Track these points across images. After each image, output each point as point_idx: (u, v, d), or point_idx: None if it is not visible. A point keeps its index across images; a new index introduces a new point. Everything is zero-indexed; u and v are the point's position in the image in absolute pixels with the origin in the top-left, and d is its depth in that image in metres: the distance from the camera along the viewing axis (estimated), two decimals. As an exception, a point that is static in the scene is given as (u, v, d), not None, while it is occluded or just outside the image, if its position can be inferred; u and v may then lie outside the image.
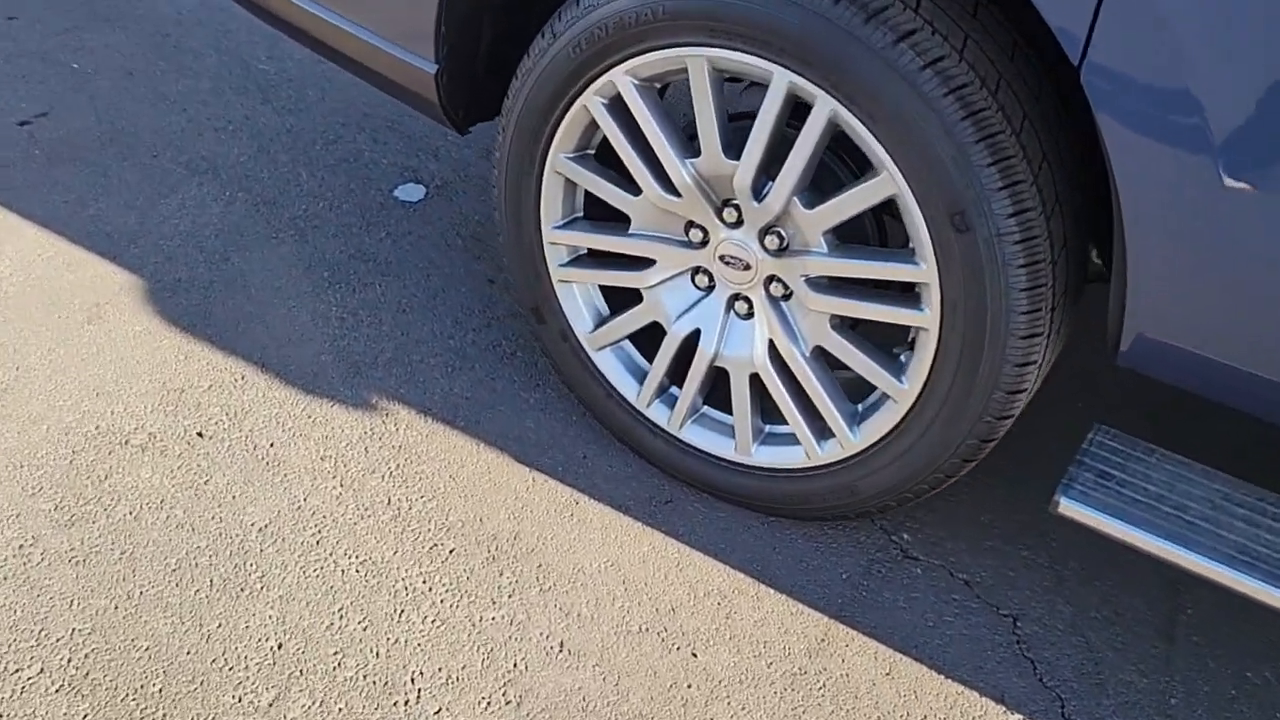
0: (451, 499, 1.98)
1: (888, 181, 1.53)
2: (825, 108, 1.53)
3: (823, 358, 1.77)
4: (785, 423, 1.86)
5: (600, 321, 1.98)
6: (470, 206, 2.77)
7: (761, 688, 1.70)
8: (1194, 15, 1.21)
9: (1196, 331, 1.39)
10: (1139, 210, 1.34)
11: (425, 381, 2.24)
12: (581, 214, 1.93)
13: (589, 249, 1.94)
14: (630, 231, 1.85)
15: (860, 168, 1.69)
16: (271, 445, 2.06)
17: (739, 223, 1.73)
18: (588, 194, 1.90)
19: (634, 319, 1.92)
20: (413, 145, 3.01)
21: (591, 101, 1.75)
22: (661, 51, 1.63)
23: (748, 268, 1.76)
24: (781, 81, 1.55)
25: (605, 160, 1.87)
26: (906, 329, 1.68)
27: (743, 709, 1.67)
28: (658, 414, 1.97)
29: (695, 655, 1.74)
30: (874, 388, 1.75)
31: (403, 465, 2.04)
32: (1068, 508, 1.49)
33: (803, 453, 1.83)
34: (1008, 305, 1.51)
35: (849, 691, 1.70)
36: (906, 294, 1.64)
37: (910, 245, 1.59)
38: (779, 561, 1.89)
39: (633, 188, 1.82)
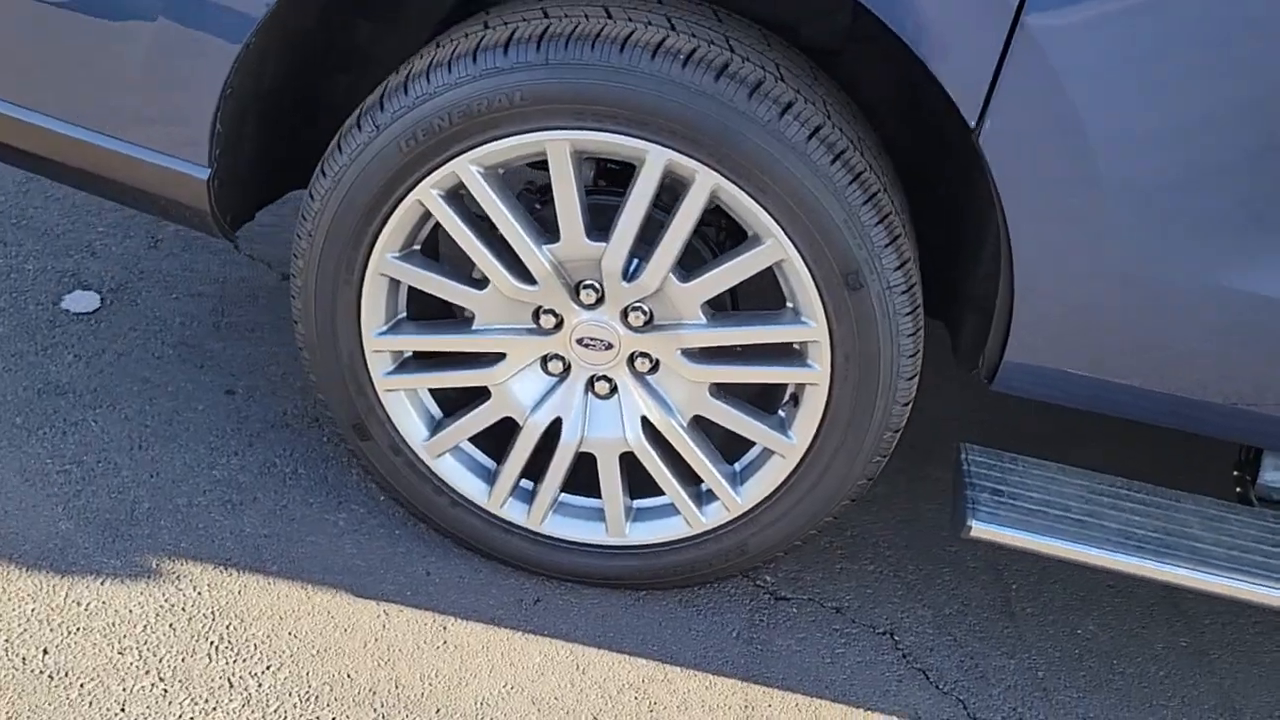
0: (303, 660, 1.72)
1: (774, 248, 1.54)
2: (707, 183, 1.51)
3: (699, 424, 1.74)
4: (651, 495, 1.82)
5: (435, 426, 1.81)
6: (163, 307, 2.41)
7: (712, 773, 1.66)
8: (1081, 84, 1.33)
9: (1070, 355, 1.54)
10: (1026, 254, 1.45)
11: (205, 527, 1.92)
12: (404, 314, 1.74)
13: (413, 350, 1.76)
14: (475, 328, 1.71)
15: (724, 237, 1.68)
16: (45, 654, 1.67)
17: (598, 303, 1.65)
18: (410, 291, 1.72)
19: (482, 418, 1.78)
20: (58, 244, 2.56)
21: (427, 195, 1.59)
22: (516, 138, 1.52)
23: (609, 347, 1.69)
24: (659, 160, 1.50)
25: (430, 253, 1.71)
26: (776, 385, 1.71)
27: (705, 801, 1.62)
28: (513, 512, 1.84)
29: (636, 759, 1.66)
30: (747, 446, 1.76)
31: (227, 634, 1.74)
32: (981, 530, 1.60)
33: (682, 522, 1.80)
34: (896, 350, 1.58)
35: (788, 750, 1.71)
36: (785, 352, 1.66)
37: (790, 306, 1.61)
38: (671, 636, 1.85)
39: (474, 281, 1.68)
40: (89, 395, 2.16)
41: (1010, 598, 2.03)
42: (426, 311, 1.77)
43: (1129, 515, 1.65)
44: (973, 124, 1.39)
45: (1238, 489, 1.79)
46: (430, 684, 1.71)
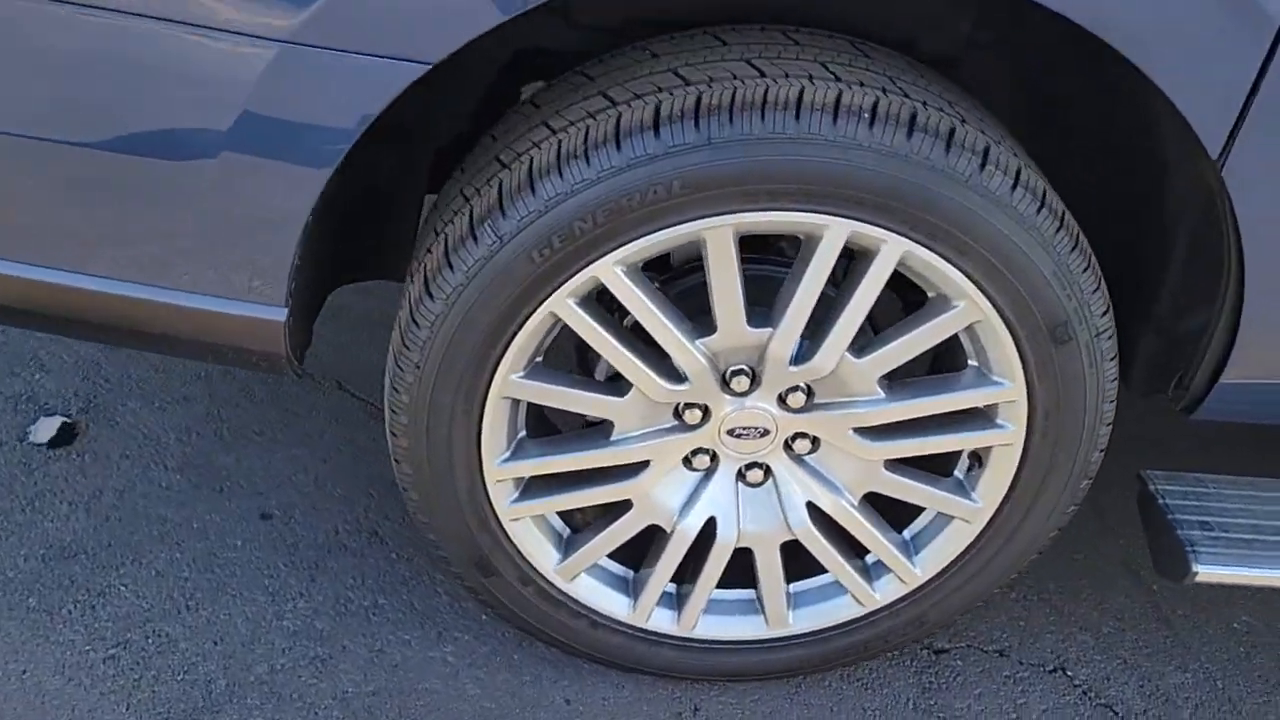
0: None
1: (969, 310, 1.36)
2: (896, 252, 1.31)
3: (868, 500, 1.57)
4: (807, 577, 1.64)
5: (567, 546, 1.58)
6: (149, 421, 2.09)
7: None
8: None
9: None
10: (1259, 274, 1.32)
11: (300, 696, 1.67)
12: (524, 433, 1.50)
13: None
14: (614, 438, 1.47)
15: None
16: None
17: (750, 390, 1.44)
18: (529, 407, 1.48)
19: (623, 531, 1.56)
20: (-4, 362, 2.19)
21: (563, 306, 1.34)
22: (670, 230, 1.28)
23: (765, 434, 1.49)
24: (841, 234, 1.29)
25: (551, 362, 1.46)
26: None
27: None
28: (661, 622, 1.64)
29: None
30: (914, 512, 1.59)
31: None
32: (1207, 575, 1.48)
33: (851, 602, 1.63)
34: (1101, 397, 1.43)
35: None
36: (970, 415, 1.48)
37: (973, 365, 1.44)
38: (852, 717, 1.69)
39: (610, 388, 1.45)
40: (104, 553, 1.84)
41: (1158, 602, 1.94)
42: (544, 426, 1.53)
43: (1333, 523, 1.55)
44: (1215, 155, 1.22)
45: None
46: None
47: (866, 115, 1.24)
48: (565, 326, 1.37)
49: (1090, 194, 1.43)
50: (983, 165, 1.27)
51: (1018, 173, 1.29)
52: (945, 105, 1.30)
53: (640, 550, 1.61)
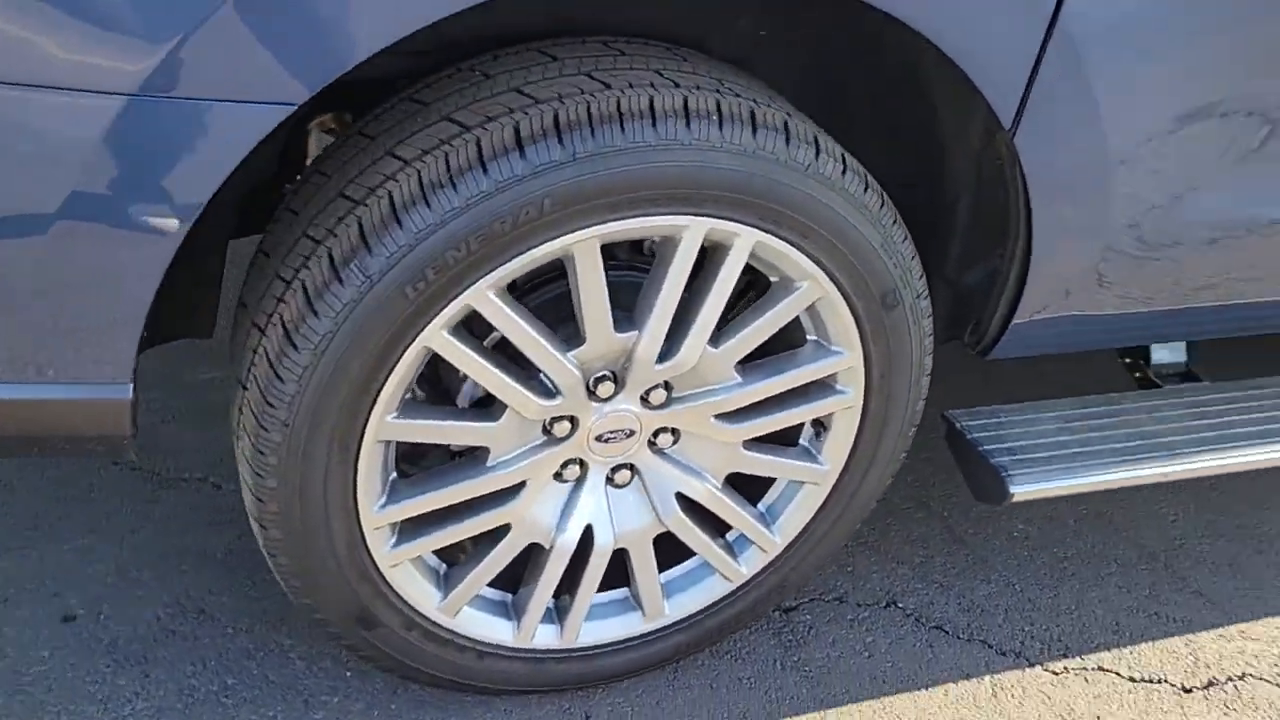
0: None
1: (812, 289, 1.46)
2: (749, 243, 1.38)
3: (728, 481, 1.64)
4: (673, 567, 1.71)
5: (445, 582, 1.55)
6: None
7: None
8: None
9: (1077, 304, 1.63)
10: (1044, 230, 1.51)
11: None
12: (395, 475, 1.45)
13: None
14: (491, 463, 1.46)
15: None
16: None
17: (614, 394, 1.48)
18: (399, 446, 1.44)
19: (503, 555, 1.54)
20: None
21: (438, 338, 1.31)
22: (541, 248, 1.29)
23: (631, 434, 1.53)
24: (699, 232, 1.35)
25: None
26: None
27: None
28: (545, 639, 1.64)
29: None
30: (767, 487, 1.69)
31: None
32: (1023, 493, 1.67)
33: (720, 581, 1.70)
34: (922, 351, 1.58)
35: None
36: (815, 386, 1.59)
37: (812, 339, 1.55)
38: (730, 693, 1.77)
39: (483, 414, 1.44)
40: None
41: (951, 525, 2.16)
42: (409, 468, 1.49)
43: (1103, 432, 1.80)
44: (1008, 127, 1.39)
45: (1135, 375, 2.02)
46: None
47: (715, 117, 1.30)
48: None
49: (883, 173, 1.57)
50: (817, 154, 1.36)
51: (844, 159, 1.40)
52: (770, 102, 1.39)
53: (513, 573, 1.60)
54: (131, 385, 1.22)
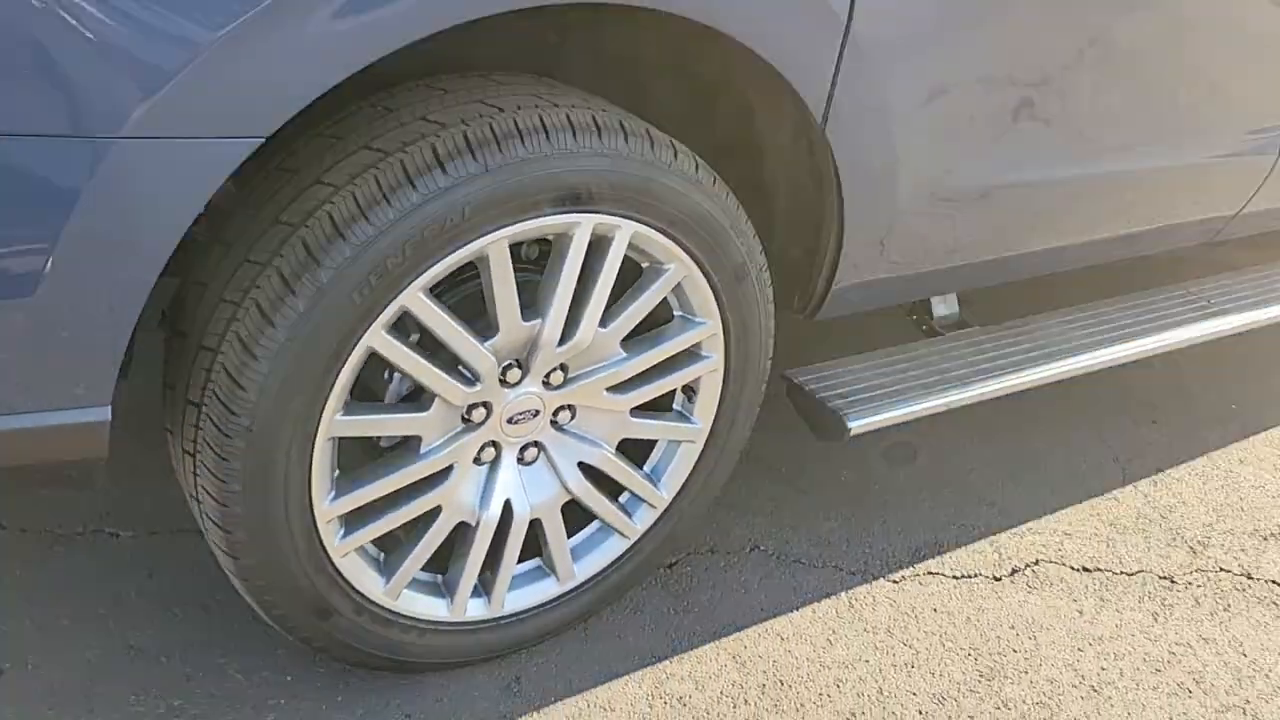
0: None
1: (679, 269, 1.73)
2: (627, 234, 1.64)
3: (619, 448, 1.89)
4: (577, 534, 1.93)
5: (386, 568, 1.72)
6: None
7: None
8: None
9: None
10: (856, 208, 1.85)
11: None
12: (337, 471, 1.62)
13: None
14: (424, 450, 1.65)
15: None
16: None
17: (522, 379, 1.71)
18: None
19: (436, 537, 1.72)
20: None
21: (379, 339, 1.50)
22: (462, 250, 1.50)
23: (536, 414, 1.75)
24: (588, 227, 1.60)
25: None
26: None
27: None
28: (475, 610, 1.83)
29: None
30: (649, 450, 1.95)
31: None
32: (860, 426, 2.00)
33: (618, 539, 1.94)
34: (766, 315, 1.88)
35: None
36: (684, 355, 1.86)
37: (678, 315, 1.82)
38: (641, 643, 2.00)
39: (415, 405, 1.63)
40: None
41: (790, 479, 2.48)
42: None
43: (910, 372, 2.17)
44: (820, 122, 1.72)
45: (923, 328, 2.42)
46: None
47: (593, 128, 1.55)
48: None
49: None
50: (675, 155, 1.64)
51: (695, 157, 1.69)
52: (624, 113, 1.66)
53: (439, 554, 1.78)
54: (110, 407, 1.33)
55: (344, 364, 1.47)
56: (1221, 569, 2.35)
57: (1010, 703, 1.96)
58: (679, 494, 1.95)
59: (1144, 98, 2.12)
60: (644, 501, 1.93)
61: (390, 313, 1.48)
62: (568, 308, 1.64)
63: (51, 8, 1.13)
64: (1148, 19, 2.03)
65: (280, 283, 1.41)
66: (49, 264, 1.22)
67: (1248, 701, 2.01)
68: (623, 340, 1.77)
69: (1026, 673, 2.02)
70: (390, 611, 1.72)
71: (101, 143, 1.19)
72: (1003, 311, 2.55)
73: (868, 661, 2.01)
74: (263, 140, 1.28)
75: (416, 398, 1.63)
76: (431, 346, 1.59)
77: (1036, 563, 2.31)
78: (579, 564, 1.91)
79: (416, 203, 1.43)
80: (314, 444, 1.50)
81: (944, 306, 2.39)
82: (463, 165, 1.45)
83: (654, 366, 1.82)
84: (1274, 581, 2.33)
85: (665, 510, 1.95)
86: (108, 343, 1.29)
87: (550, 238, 1.62)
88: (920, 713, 1.92)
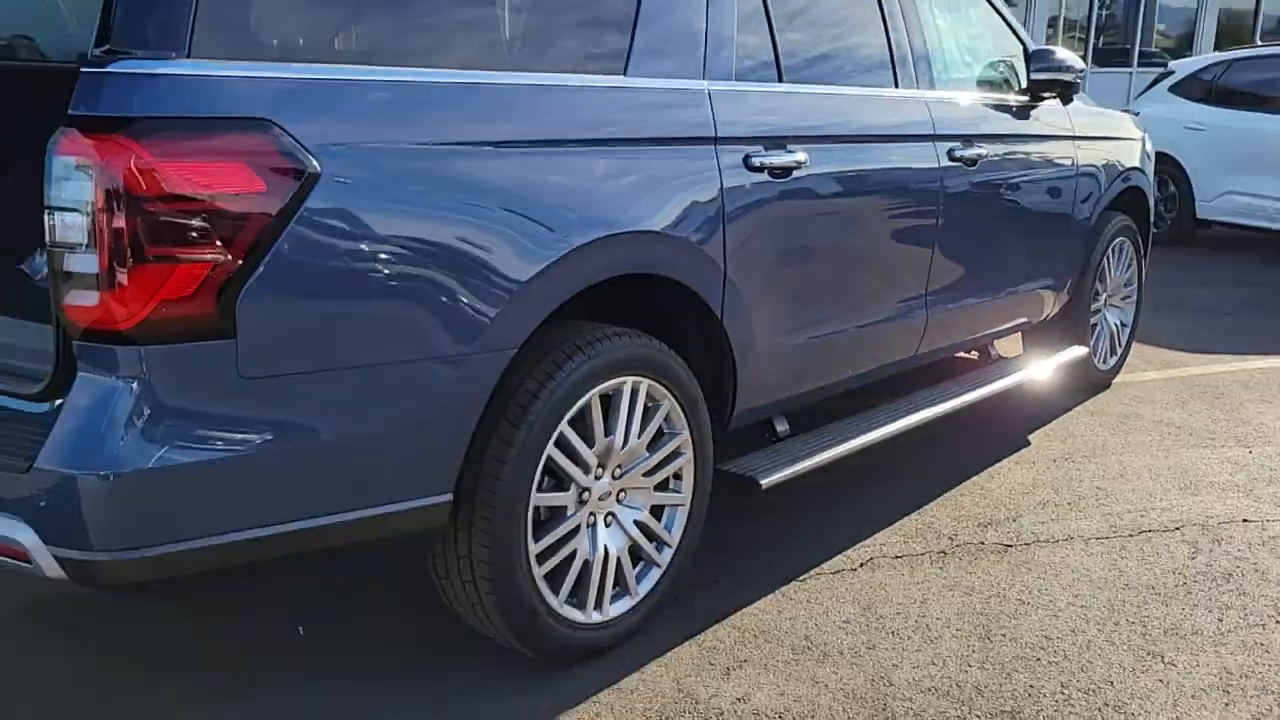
0: None
1: (669, 404, 3.29)
2: (646, 385, 3.20)
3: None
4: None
5: (554, 588, 3.09)
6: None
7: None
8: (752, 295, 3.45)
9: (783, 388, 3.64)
10: (741, 358, 3.51)
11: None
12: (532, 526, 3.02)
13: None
14: (567, 516, 3.07)
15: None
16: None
17: (602, 475, 3.18)
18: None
19: (573, 571, 3.12)
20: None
21: (552, 450, 2.96)
22: (582, 399, 3.01)
23: (607, 495, 3.22)
24: (631, 383, 3.15)
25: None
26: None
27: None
28: (596, 618, 3.20)
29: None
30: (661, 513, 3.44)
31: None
32: (770, 481, 3.57)
33: (655, 570, 3.38)
34: (707, 425, 3.45)
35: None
36: (674, 454, 3.39)
37: (664, 430, 3.37)
38: (677, 662, 3.40)
39: (561, 489, 3.07)
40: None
41: (729, 525, 3.99)
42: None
43: (777, 454, 3.79)
44: (720, 313, 3.38)
45: (767, 436, 4.07)
46: (656, 700, 3.04)
47: (632, 337, 3.15)
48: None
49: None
50: (663, 343, 3.25)
51: (671, 348, 3.30)
52: (642, 331, 3.26)
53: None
54: (451, 494, 2.71)
55: (539, 464, 2.91)
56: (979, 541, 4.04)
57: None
58: (681, 538, 3.43)
59: (861, 285, 3.97)
60: (665, 544, 3.40)
61: (556, 435, 2.95)
62: (625, 428, 3.16)
63: (439, 278, 2.61)
64: (864, 250, 3.89)
65: (510, 428, 2.85)
66: (434, 418, 2.63)
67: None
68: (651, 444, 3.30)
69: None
70: (558, 616, 3.06)
71: (469, 357, 2.65)
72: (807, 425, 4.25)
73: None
74: (516, 350, 2.77)
75: (564, 485, 3.06)
76: (567, 453, 3.04)
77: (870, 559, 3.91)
78: (638, 586, 3.33)
79: (572, 369, 2.93)
80: (528, 509, 2.91)
81: (781, 425, 4.05)
82: (584, 358, 2.97)
83: (661, 461, 3.34)
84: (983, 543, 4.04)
85: (675, 547, 3.42)
86: (456, 456, 2.69)
87: (610, 392, 3.15)
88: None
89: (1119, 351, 6.02)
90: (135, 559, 2.25)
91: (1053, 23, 21.69)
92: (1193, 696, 3.06)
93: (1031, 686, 3.10)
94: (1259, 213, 10.05)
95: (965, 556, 3.92)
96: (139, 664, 3.15)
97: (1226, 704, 3.02)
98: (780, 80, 3.65)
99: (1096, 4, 22.25)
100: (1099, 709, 2.99)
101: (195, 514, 2.31)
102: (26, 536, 2.21)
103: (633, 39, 3.14)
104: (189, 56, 2.23)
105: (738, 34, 3.46)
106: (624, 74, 3.12)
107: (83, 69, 2.17)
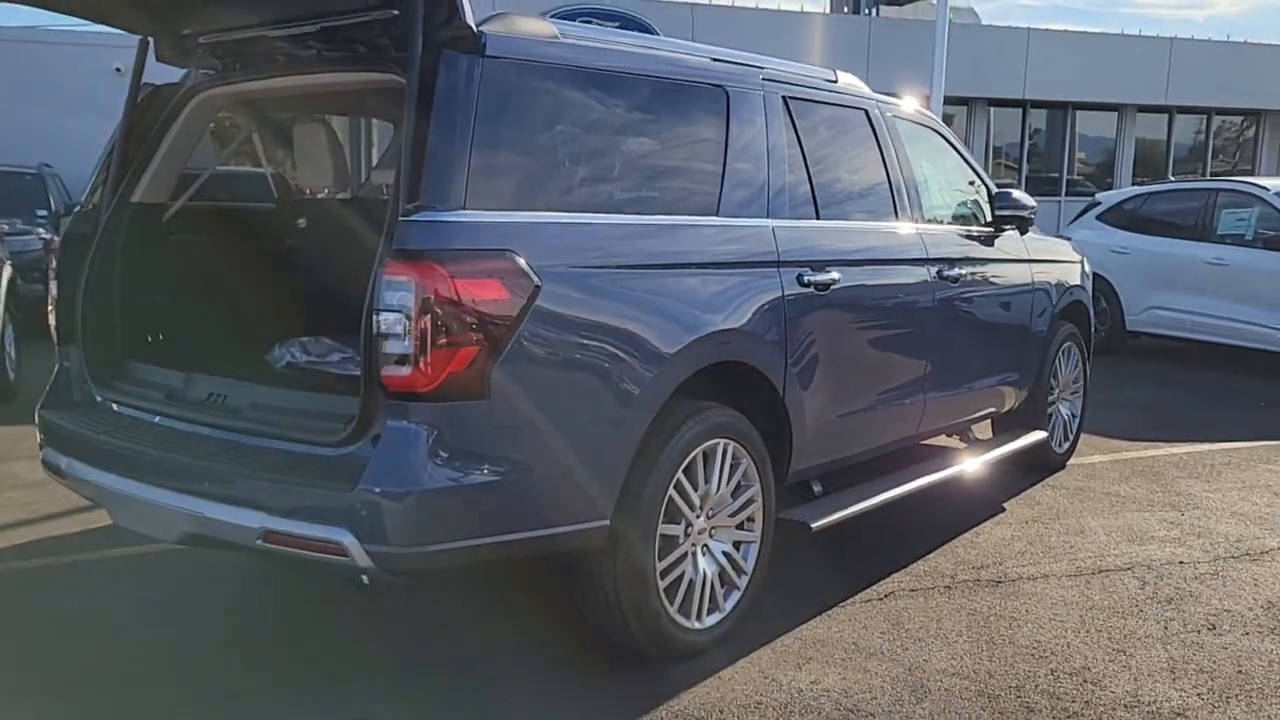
0: (721, 703, 3.86)
1: (747, 461, 4.33)
2: (731, 445, 4.24)
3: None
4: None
5: (671, 600, 4.06)
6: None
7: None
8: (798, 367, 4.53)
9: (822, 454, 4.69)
10: (796, 423, 4.57)
11: None
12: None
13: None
14: (680, 543, 4.08)
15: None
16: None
17: (700, 514, 4.19)
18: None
19: (681, 586, 4.11)
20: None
21: (673, 492, 3.98)
22: (692, 454, 4.04)
23: (703, 531, 4.22)
24: (730, 446, 4.19)
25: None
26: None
27: (831, 654, 4.31)
28: (697, 624, 4.17)
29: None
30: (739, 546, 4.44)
31: None
32: (819, 525, 4.59)
33: (735, 591, 4.36)
34: (772, 479, 4.48)
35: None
36: (753, 498, 4.41)
37: (742, 482, 4.39)
38: (763, 659, 4.37)
39: (675, 522, 4.08)
40: None
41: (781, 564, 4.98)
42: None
43: (823, 506, 4.83)
44: (782, 392, 4.44)
45: (807, 496, 5.11)
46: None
47: (724, 408, 4.21)
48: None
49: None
50: (749, 416, 4.31)
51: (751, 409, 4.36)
52: (727, 406, 4.31)
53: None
54: (609, 518, 3.70)
55: (664, 502, 3.92)
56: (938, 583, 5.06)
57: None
58: (754, 566, 4.43)
59: (877, 374, 5.07)
60: (743, 571, 4.39)
61: (675, 479, 3.96)
62: (717, 478, 4.19)
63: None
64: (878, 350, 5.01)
65: (647, 472, 3.86)
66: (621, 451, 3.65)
67: (997, 607, 4.69)
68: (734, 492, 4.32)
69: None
70: (674, 622, 4.03)
71: (629, 417, 3.68)
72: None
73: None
74: (654, 414, 3.81)
75: (677, 520, 4.06)
76: (681, 494, 4.05)
77: (893, 592, 4.91)
78: (725, 603, 4.31)
79: (686, 430, 3.96)
80: (656, 537, 3.90)
81: (817, 486, 5.09)
82: (694, 423, 4.01)
83: (740, 505, 4.36)
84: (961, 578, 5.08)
85: (750, 573, 4.41)
86: (615, 490, 3.69)
87: (708, 451, 4.18)
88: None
89: (1071, 438, 7.17)
90: (419, 552, 3.22)
91: (985, 151, 23.62)
92: (1148, 675, 4.09)
93: (1030, 672, 4.11)
94: (1179, 325, 11.46)
95: (966, 589, 4.95)
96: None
97: (1172, 681, 4.05)
98: (818, 216, 4.79)
99: (1026, 136, 24.30)
100: (1080, 684, 4.01)
101: (458, 523, 3.28)
102: (346, 538, 3.17)
103: (721, 189, 4.27)
104: (464, 209, 3.30)
105: (788, 183, 4.61)
106: (716, 214, 4.24)
107: (400, 218, 3.23)
